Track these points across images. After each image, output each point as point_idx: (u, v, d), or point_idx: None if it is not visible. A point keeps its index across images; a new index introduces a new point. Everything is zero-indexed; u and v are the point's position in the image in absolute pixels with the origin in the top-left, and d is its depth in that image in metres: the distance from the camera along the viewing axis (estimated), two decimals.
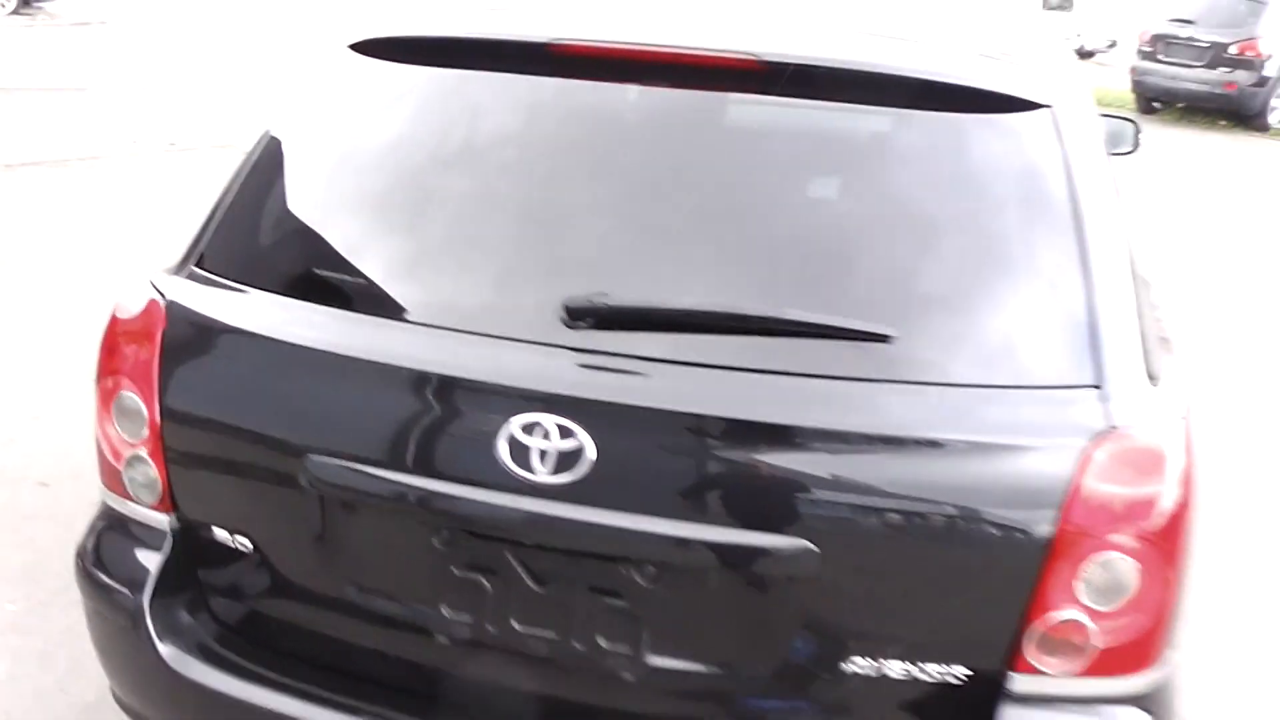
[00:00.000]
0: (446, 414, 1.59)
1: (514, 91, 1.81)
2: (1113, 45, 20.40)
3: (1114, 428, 1.47)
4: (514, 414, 1.51)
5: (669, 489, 1.51)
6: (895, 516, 1.48)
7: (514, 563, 1.56)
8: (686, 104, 1.72)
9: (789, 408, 1.49)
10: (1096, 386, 1.51)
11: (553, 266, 1.66)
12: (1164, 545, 1.48)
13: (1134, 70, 14.17)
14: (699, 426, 1.51)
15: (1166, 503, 1.48)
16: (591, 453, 1.48)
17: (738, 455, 1.51)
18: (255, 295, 1.75)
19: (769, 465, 1.50)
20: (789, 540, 1.46)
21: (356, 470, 1.58)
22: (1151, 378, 1.57)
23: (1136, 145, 4.20)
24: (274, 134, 1.89)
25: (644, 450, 1.52)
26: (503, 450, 1.51)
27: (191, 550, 1.78)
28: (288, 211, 1.83)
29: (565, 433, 1.49)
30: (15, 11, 18.23)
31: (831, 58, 1.68)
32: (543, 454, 1.50)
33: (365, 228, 1.78)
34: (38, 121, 9.45)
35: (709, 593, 1.53)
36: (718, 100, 1.72)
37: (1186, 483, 1.51)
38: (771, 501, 1.49)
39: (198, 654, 1.74)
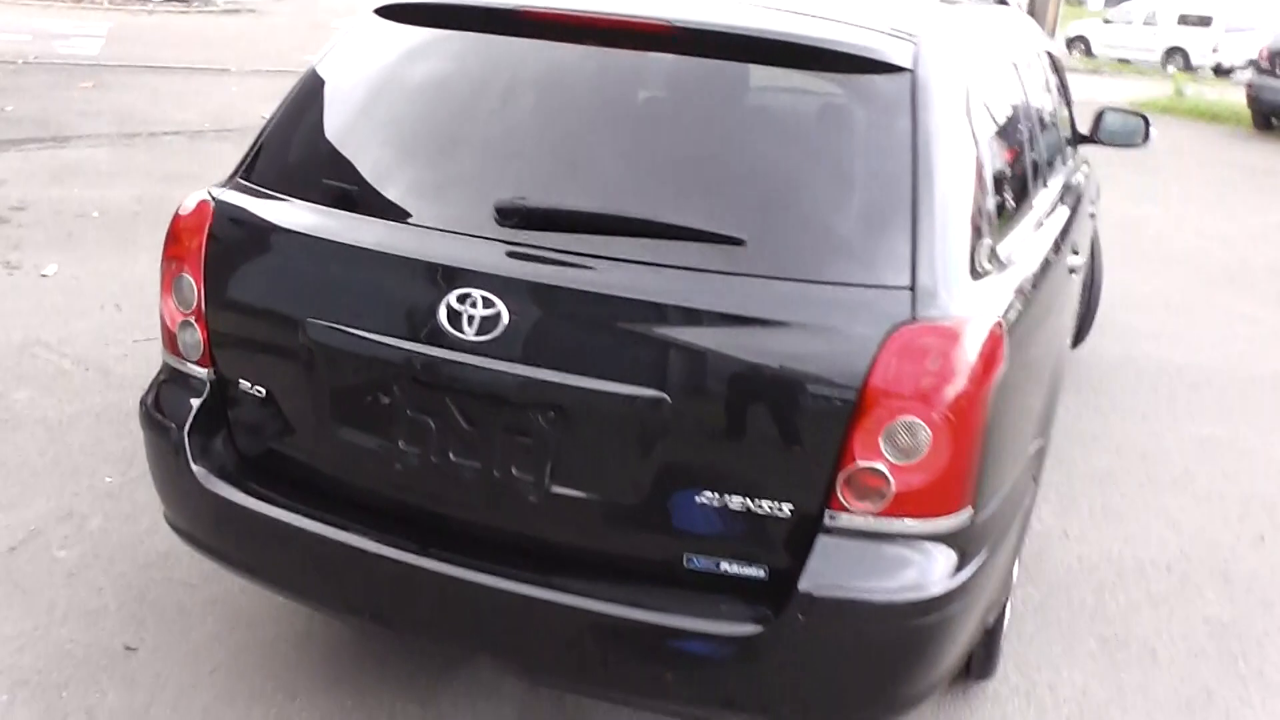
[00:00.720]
0: (405, 288, 2.05)
1: (484, 47, 2.27)
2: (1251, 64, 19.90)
3: (915, 319, 1.85)
4: (452, 288, 1.97)
5: (561, 348, 1.94)
6: (734, 378, 1.89)
7: (450, 406, 2.01)
8: (609, 57, 2.16)
9: (657, 290, 1.91)
10: (910, 288, 1.88)
11: (494, 181, 2.12)
12: (956, 416, 1.85)
13: (1250, 86, 13.85)
14: (587, 301, 1.94)
15: (958, 382, 1.85)
16: (505, 318, 1.93)
17: (614, 324, 1.93)
18: (276, 200, 2.25)
19: (636, 332, 1.92)
20: (647, 390, 1.88)
21: (338, 330, 2.06)
22: (973, 283, 1.94)
23: (1148, 138, 4.43)
24: (306, 80, 2.39)
25: (544, 318, 1.96)
26: (442, 315, 1.97)
27: (223, 396, 2.28)
28: (307, 138, 2.33)
29: (488, 303, 1.94)
30: None
31: (722, 23, 2.10)
32: (470, 319, 1.95)
33: (361, 152, 2.27)
34: (184, 97, 10.35)
35: (591, 433, 1.96)
36: (635, 55, 2.15)
37: (981, 369, 1.87)
38: (636, 360, 1.91)
39: (221, 474, 2.25)
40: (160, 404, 2.36)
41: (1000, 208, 2.27)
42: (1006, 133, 2.59)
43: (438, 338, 1.97)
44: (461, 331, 1.96)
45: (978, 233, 2.06)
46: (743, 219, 1.98)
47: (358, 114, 2.31)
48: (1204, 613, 3.19)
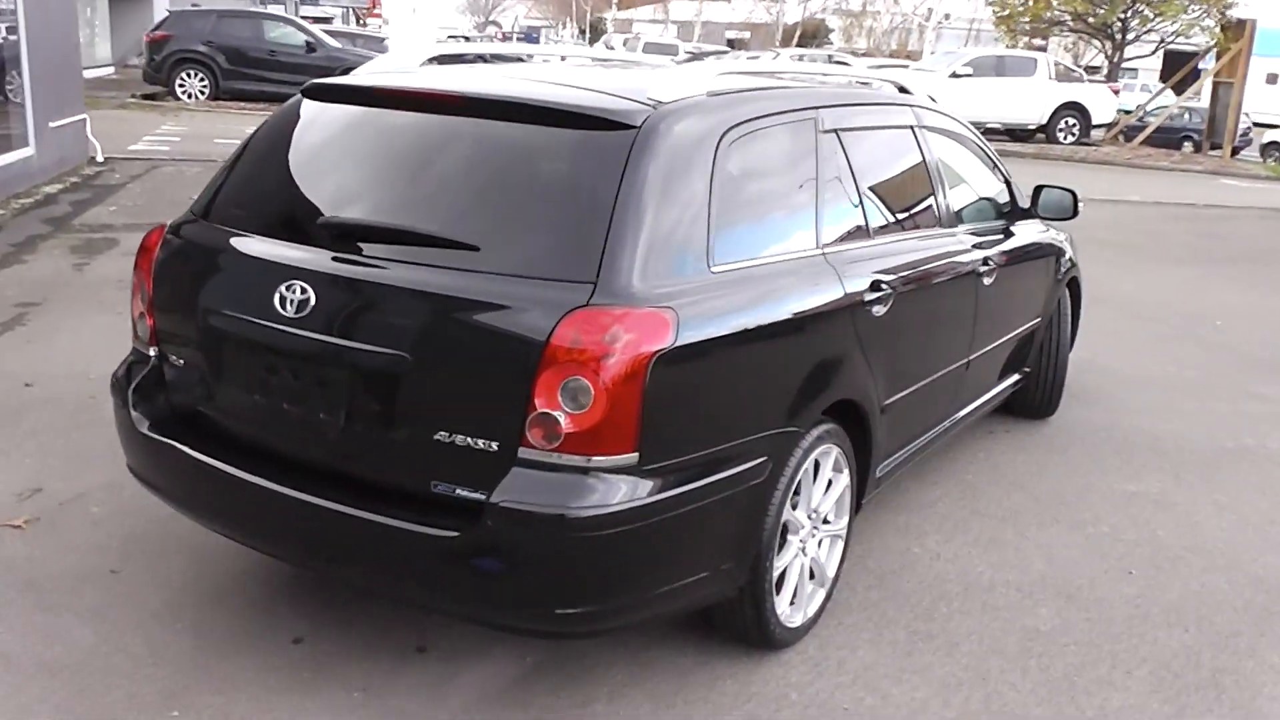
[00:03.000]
0: (260, 282, 2.83)
1: (349, 115, 3.09)
2: None
3: (588, 304, 2.48)
4: (283, 280, 2.74)
5: (348, 322, 2.68)
6: (458, 344, 2.57)
7: (283, 366, 2.77)
8: (423, 119, 2.93)
9: (415, 281, 2.64)
10: (593, 283, 2.52)
11: (329, 206, 2.92)
12: (612, 378, 2.45)
13: None
14: (366, 288, 2.69)
15: (616, 353, 2.46)
16: (313, 301, 2.69)
17: (382, 304, 2.67)
18: (203, 226, 3.10)
19: (396, 310, 2.65)
20: (397, 351, 2.59)
21: (221, 314, 2.86)
22: (657, 284, 2.56)
23: (1076, 212, 4.86)
24: (245, 140, 3.26)
25: (338, 301, 2.70)
26: (276, 300, 2.74)
27: (163, 369, 3.12)
28: (231, 181, 3.18)
29: (303, 290, 2.70)
30: None
31: (496, 93, 2.84)
32: (292, 302, 2.71)
33: (258, 189, 3.12)
34: None
35: (367, 384, 2.67)
36: (439, 118, 2.92)
37: (638, 344, 2.48)
38: (394, 330, 2.63)
39: (154, 424, 3.06)
40: (122, 375, 3.22)
41: (743, 236, 2.90)
42: (785, 180, 3.20)
43: (272, 316, 2.75)
44: (285, 311, 2.72)
45: (682, 249, 2.68)
46: (481, 232, 2.70)
47: (261, 162, 3.16)
48: (1026, 623, 3.55)
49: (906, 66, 25.99)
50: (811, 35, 50.14)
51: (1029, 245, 4.86)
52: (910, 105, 4.15)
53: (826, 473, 3.28)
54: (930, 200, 4.05)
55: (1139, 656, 3.38)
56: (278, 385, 2.80)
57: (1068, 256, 5.33)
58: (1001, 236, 4.63)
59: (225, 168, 3.23)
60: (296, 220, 2.94)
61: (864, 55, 36.16)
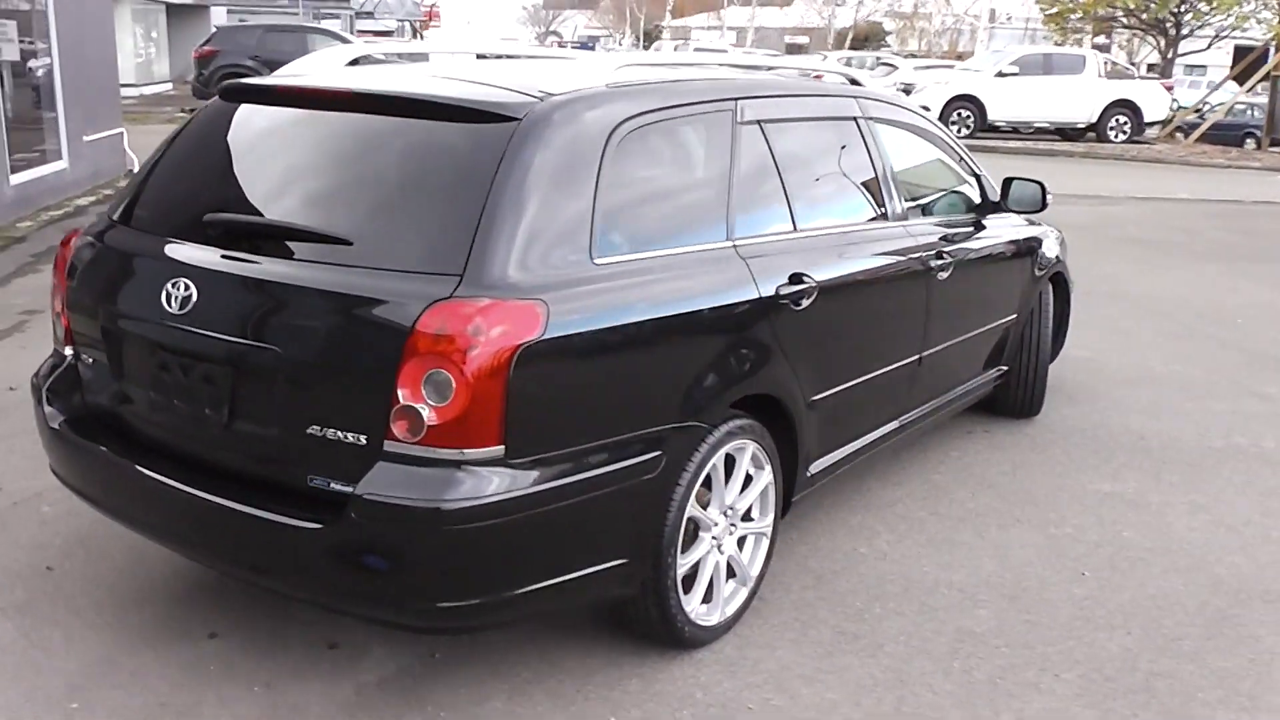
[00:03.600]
0: (151, 280, 2.85)
1: (259, 115, 3.11)
2: None
3: (452, 296, 2.46)
4: (172, 277, 2.76)
5: (227, 317, 2.68)
6: (325, 337, 2.56)
7: (172, 363, 2.79)
8: (322, 117, 2.95)
9: (290, 276, 2.64)
10: (459, 276, 2.50)
11: (227, 204, 2.93)
12: (475, 371, 2.43)
13: None
14: (240, 284, 2.69)
15: (478, 346, 2.43)
16: (195, 298, 2.70)
17: (257, 299, 2.67)
18: (115, 228, 3.13)
19: (266, 305, 2.65)
20: (271, 346, 2.60)
21: (121, 314, 2.89)
22: (514, 276, 2.53)
23: (1045, 204, 4.75)
24: (162, 144, 3.29)
25: (218, 297, 2.71)
26: (163, 297, 2.76)
27: (77, 368, 3.15)
28: (145, 183, 3.20)
29: (187, 287, 2.72)
30: None
31: (385, 90, 2.84)
32: (176, 299, 2.73)
33: (165, 190, 3.13)
34: None
35: (246, 379, 2.67)
36: (334, 115, 2.94)
37: (503, 339, 2.45)
38: (264, 324, 2.62)
39: (66, 420, 3.10)
40: (40, 374, 3.27)
41: (636, 228, 2.87)
42: (692, 172, 3.17)
43: (159, 313, 2.77)
44: (170, 308, 2.74)
45: (560, 241, 2.65)
46: (357, 226, 2.69)
47: (173, 163, 3.18)
48: (961, 624, 3.45)
49: (952, 67, 25.64)
50: (865, 38, 49.76)
51: (998, 240, 4.75)
52: (856, 98, 4.07)
53: (743, 469, 3.23)
54: (874, 193, 3.97)
55: (1072, 659, 3.27)
56: (170, 382, 2.82)
57: (1050, 253, 5.20)
58: (969, 230, 4.54)
59: (143, 170, 3.26)
60: (195, 220, 2.96)
61: (914, 57, 35.77)
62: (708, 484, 3.11)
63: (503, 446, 2.51)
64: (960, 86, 21.77)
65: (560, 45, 57.78)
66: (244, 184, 3.00)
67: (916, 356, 4.12)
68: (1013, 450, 4.98)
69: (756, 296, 3.16)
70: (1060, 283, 5.46)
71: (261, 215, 2.86)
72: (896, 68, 22.25)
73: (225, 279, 2.73)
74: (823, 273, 3.45)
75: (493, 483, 2.51)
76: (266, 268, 2.69)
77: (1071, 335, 5.78)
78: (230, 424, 2.72)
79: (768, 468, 3.33)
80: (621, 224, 2.86)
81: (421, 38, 56.14)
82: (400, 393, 2.47)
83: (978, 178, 4.82)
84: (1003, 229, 4.83)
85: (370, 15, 43.65)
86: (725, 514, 3.23)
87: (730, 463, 3.19)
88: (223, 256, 2.77)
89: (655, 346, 2.88)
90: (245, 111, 3.14)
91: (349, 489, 2.55)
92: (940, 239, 4.24)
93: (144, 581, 3.50)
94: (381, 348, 2.49)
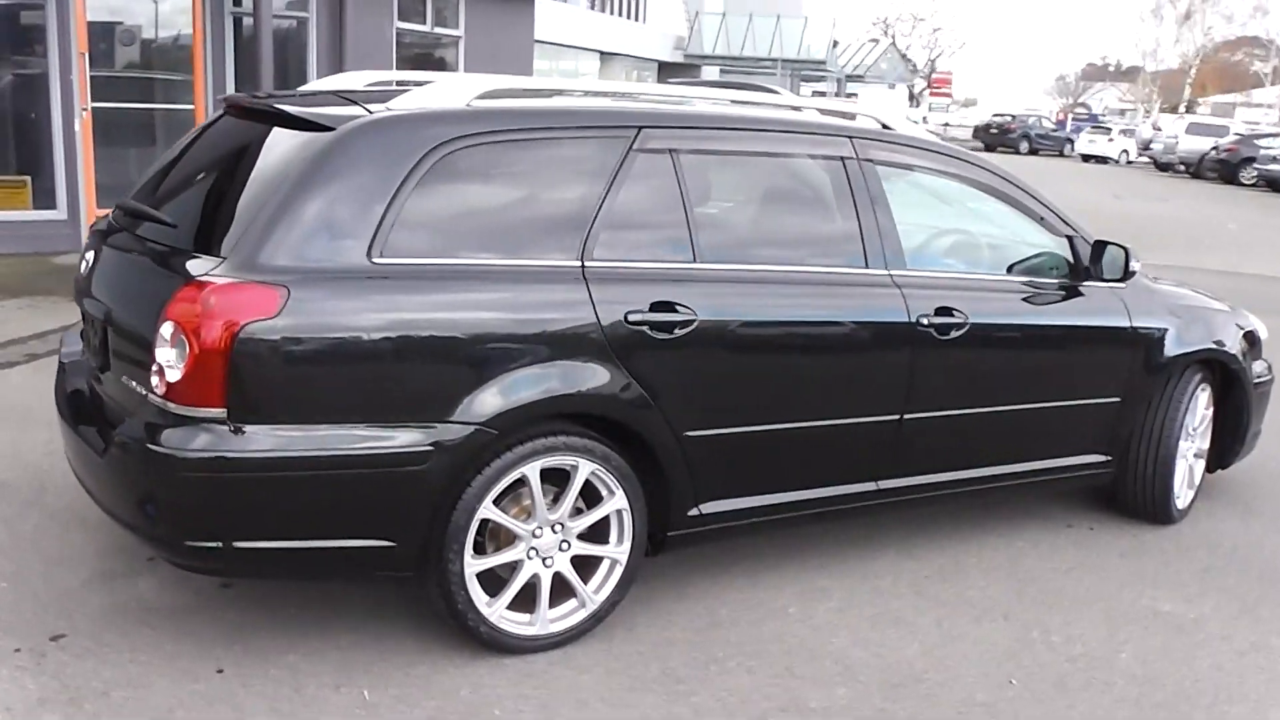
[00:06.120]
0: (89, 257, 3.51)
1: (216, 122, 3.65)
2: None
3: (207, 274, 2.84)
4: (90, 249, 3.41)
5: (99, 282, 3.26)
6: (132, 300, 3.07)
7: (88, 326, 3.41)
8: (235, 125, 3.44)
9: (129, 247, 3.21)
10: (223, 257, 2.88)
11: (150, 194, 3.50)
12: (201, 341, 2.77)
13: None
14: (107, 255, 3.29)
15: (208, 319, 2.78)
16: (86, 267, 3.33)
17: (108, 270, 3.25)
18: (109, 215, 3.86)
19: (115, 273, 3.21)
20: (108, 307, 3.15)
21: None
22: (268, 262, 2.85)
23: (1128, 273, 4.20)
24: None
25: (101, 270, 3.32)
26: (83, 268, 3.41)
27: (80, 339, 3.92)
28: (150, 172, 3.89)
29: (89, 258, 3.35)
30: None
31: (268, 107, 3.29)
32: (86, 266, 3.37)
33: (149, 179, 3.77)
34: None
35: (108, 334, 3.21)
36: (243, 123, 3.41)
37: (232, 317, 2.78)
38: (111, 287, 3.20)
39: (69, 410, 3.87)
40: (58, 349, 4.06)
41: (444, 235, 3.09)
42: (552, 190, 3.30)
43: (82, 281, 3.42)
44: (81, 274, 3.39)
45: (335, 237, 2.93)
46: (186, 213, 3.18)
47: (166, 163, 3.83)
48: (805, 697, 3.19)
49: None
50: None
51: (1073, 309, 4.22)
52: (852, 138, 3.84)
53: (575, 487, 3.25)
54: (847, 237, 3.74)
55: None
56: (88, 338, 3.45)
57: (1190, 336, 4.46)
58: (1032, 292, 4.12)
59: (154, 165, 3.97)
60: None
61: None
62: (519, 495, 3.20)
63: (224, 409, 2.83)
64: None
65: (1061, 119, 54.87)
66: (167, 177, 3.57)
67: (894, 417, 3.80)
68: (1094, 550, 4.35)
69: (592, 318, 3.18)
70: (1234, 377, 4.67)
71: (146, 203, 3.40)
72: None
73: (105, 252, 3.33)
74: (716, 308, 3.38)
75: (208, 439, 2.83)
76: (120, 241, 3.26)
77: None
78: (101, 374, 3.29)
79: (620, 494, 3.31)
80: (428, 231, 3.05)
81: (916, 104, 56.37)
82: (156, 353, 2.88)
83: (1070, 240, 4.29)
84: (1101, 298, 4.27)
85: (860, 79, 44.71)
86: (555, 530, 3.27)
87: (565, 479, 3.24)
88: (109, 235, 3.38)
89: (432, 345, 3.01)
90: (215, 121, 3.72)
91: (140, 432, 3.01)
92: (961, 295, 3.88)
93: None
94: (154, 313, 2.92)
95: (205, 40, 9.61)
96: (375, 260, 2.97)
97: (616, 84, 3.94)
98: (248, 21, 9.66)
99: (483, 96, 3.33)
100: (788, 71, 35.17)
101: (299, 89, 4.02)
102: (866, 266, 3.75)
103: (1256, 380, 4.80)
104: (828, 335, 3.68)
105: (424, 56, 12.50)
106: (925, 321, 3.78)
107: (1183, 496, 4.67)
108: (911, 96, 57.80)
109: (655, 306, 3.28)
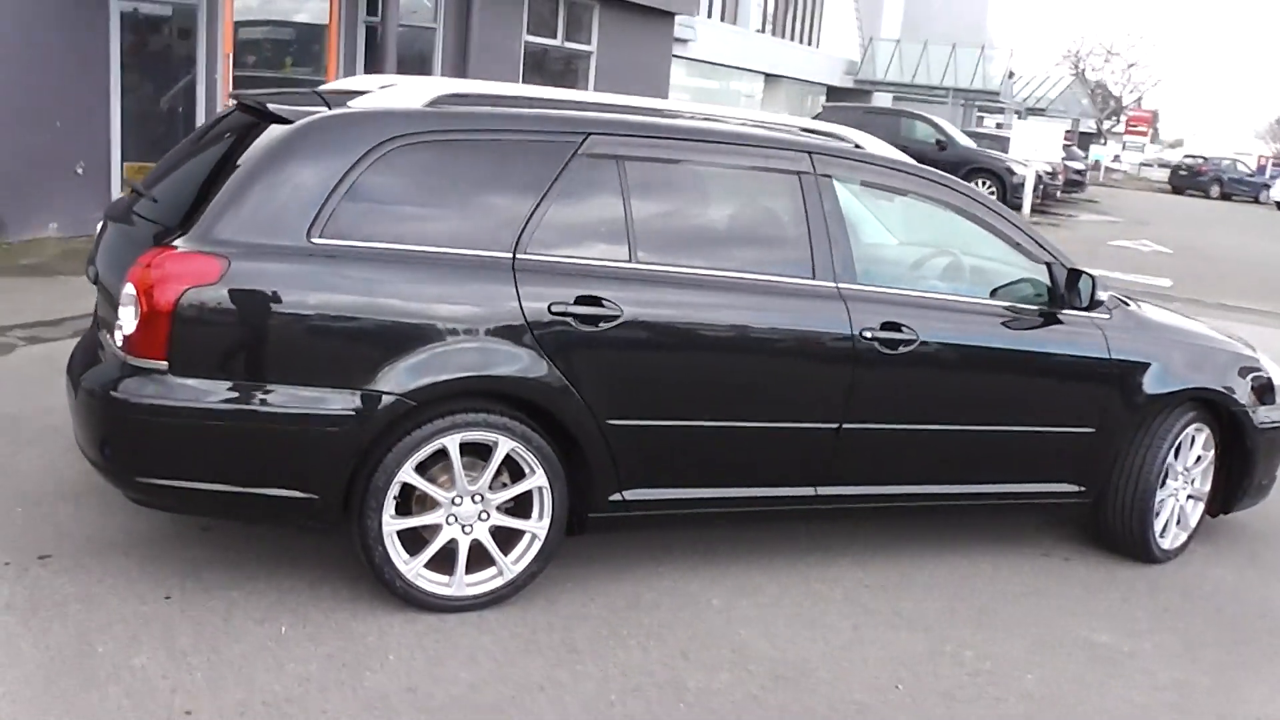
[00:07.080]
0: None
1: (231, 115, 4.06)
2: None
3: (164, 243, 3.24)
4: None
5: (111, 263, 3.70)
6: (115, 266, 3.48)
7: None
8: (239, 119, 3.79)
9: (124, 220, 3.60)
10: (182, 230, 3.27)
11: (153, 181, 3.93)
12: (148, 299, 3.16)
13: None
14: (121, 233, 3.71)
15: (157, 282, 3.16)
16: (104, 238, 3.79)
17: (112, 241, 3.67)
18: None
19: (112, 244, 3.63)
20: (102, 272, 3.58)
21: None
22: (216, 235, 3.22)
23: (1091, 303, 4.21)
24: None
25: (108, 246, 3.76)
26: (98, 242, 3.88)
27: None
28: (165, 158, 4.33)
29: (103, 231, 3.81)
30: None
31: (261, 103, 3.65)
32: (100, 242, 3.83)
33: (160, 173, 4.21)
34: None
35: (109, 300, 3.67)
36: (244, 119, 3.76)
37: (176, 280, 3.16)
38: (110, 256, 3.62)
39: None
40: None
41: (381, 222, 3.39)
42: (492, 186, 3.54)
43: (92, 251, 3.90)
44: (93, 246, 3.87)
45: (278, 218, 3.28)
46: (171, 193, 3.59)
47: (179, 150, 4.24)
48: (685, 680, 3.35)
49: None
50: None
51: (1038, 335, 4.22)
52: (811, 153, 3.97)
53: (495, 462, 3.50)
54: (793, 246, 3.88)
55: None
56: (100, 303, 3.92)
57: (1175, 373, 4.39)
58: (995, 318, 4.16)
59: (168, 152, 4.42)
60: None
61: None
62: (440, 466, 3.48)
63: (166, 363, 3.21)
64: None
65: (1262, 164, 51.78)
66: (176, 163, 3.99)
67: (832, 425, 3.91)
68: (1057, 579, 4.32)
69: (516, 307, 3.44)
70: (1236, 420, 4.56)
71: (153, 185, 3.83)
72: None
73: (109, 226, 3.80)
74: (645, 305, 3.58)
75: (152, 388, 3.22)
76: (119, 217, 3.70)
77: None
78: (99, 331, 3.74)
79: (540, 473, 3.55)
80: (368, 217, 3.37)
81: (1104, 141, 54.19)
82: (120, 310, 3.29)
83: (1049, 266, 4.29)
84: (1078, 327, 4.26)
85: (1041, 112, 43.32)
86: (474, 499, 3.54)
87: (485, 454, 3.50)
88: (121, 218, 3.83)
89: (359, 320, 3.31)
90: (231, 115, 4.14)
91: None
92: (914, 312, 3.96)
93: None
94: (122, 277, 3.33)
95: (339, 46, 10.31)
96: (314, 240, 3.30)
97: (605, 97, 4.13)
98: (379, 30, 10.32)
99: (440, 99, 3.65)
100: (960, 101, 34.50)
101: (318, 87, 4.41)
102: (813, 278, 3.88)
103: (1265, 425, 4.65)
104: (760, 340, 3.82)
105: (553, 70, 13.00)
106: (868, 335, 3.87)
107: (1171, 537, 4.57)
108: (1099, 133, 55.56)
109: (580, 300, 3.51)
